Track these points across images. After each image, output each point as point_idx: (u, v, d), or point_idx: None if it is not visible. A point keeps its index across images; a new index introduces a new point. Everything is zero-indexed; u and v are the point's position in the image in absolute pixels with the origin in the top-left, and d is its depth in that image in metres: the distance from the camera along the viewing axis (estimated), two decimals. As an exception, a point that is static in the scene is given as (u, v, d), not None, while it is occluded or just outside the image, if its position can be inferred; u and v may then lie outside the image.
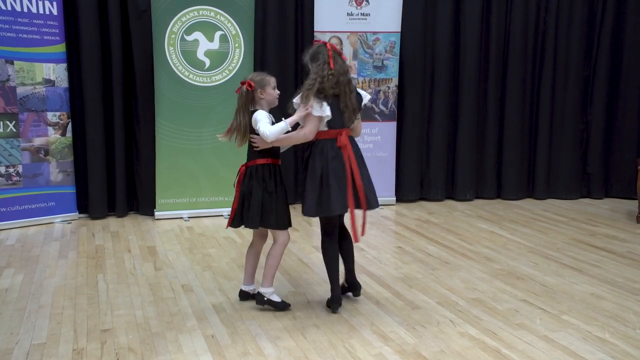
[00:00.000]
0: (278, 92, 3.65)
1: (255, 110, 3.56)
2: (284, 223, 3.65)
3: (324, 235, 3.73)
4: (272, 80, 3.61)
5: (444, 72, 6.74)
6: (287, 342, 3.30)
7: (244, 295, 3.87)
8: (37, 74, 5.57)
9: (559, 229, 5.76)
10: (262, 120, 3.48)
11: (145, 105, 5.96)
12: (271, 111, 3.67)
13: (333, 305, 3.73)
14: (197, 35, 5.84)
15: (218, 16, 5.86)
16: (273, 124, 3.53)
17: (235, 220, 3.64)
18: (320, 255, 4.75)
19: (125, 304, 3.82)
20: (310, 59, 3.63)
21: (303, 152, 6.05)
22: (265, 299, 3.67)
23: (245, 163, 3.66)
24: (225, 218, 6.01)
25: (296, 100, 3.60)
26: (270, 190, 3.58)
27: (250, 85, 3.52)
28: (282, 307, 3.69)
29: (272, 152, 3.63)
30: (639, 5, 6.83)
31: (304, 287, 4.15)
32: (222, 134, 3.66)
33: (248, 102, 3.55)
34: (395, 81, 6.50)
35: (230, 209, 3.75)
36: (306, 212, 3.59)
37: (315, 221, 5.97)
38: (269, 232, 3.75)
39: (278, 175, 3.66)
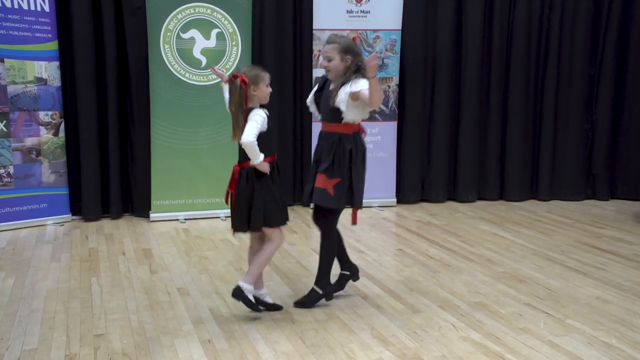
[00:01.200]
0: (270, 89, 3.55)
1: (252, 109, 3.46)
2: (285, 219, 3.61)
3: (334, 225, 3.80)
4: (267, 77, 3.52)
5: (446, 71, 6.68)
6: (285, 346, 3.26)
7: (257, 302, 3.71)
8: (28, 72, 5.50)
9: (563, 231, 5.71)
10: (256, 122, 3.39)
11: (140, 105, 5.90)
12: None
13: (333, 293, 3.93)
14: (194, 33, 5.77)
15: (215, 13, 5.80)
16: (263, 135, 3.45)
17: (239, 224, 3.55)
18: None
19: (119, 308, 3.78)
20: (345, 49, 3.64)
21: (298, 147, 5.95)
22: (244, 295, 3.55)
23: (240, 163, 3.53)
24: (223, 220, 5.95)
25: (343, 93, 3.59)
26: (272, 187, 3.52)
27: (244, 81, 3.40)
28: (254, 308, 3.58)
29: (269, 148, 3.51)
30: (645, 2, 6.79)
31: (303, 290, 4.10)
32: (232, 137, 3.54)
33: (243, 100, 3.43)
34: (395, 80, 6.44)
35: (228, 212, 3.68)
36: (359, 204, 3.74)
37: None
38: (265, 231, 3.63)
39: (277, 171, 3.58)
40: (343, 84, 3.60)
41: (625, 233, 5.66)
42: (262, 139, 3.41)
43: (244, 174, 3.49)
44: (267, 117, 3.49)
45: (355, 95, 3.55)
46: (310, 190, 3.75)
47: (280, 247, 3.66)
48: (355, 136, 3.72)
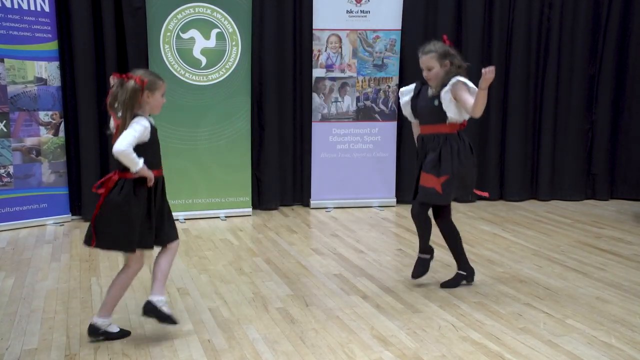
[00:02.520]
0: (164, 100, 3.22)
1: (137, 115, 3.10)
2: (149, 244, 3.28)
3: (449, 214, 4.06)
4: (164, 87, 3.19)
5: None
6: (285, 346, 3.25)
7: (151, 310, 3.32)
8: (28, 72, 5.50)
9: (563, 231, 5.69)
10: (134, 130, 3.02)
11: (140, 105, 5.88)
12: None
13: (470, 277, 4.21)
14: (193, 33, 5.76)
15: (215, 13, 5.79)
16: (145, 147, 3.10)
17: (106, 240, 3.16)
18: (319, 257, 4.77)
19: (119, 308, 3.71)
20: (443, 55, 3.73)
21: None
22: (101, 330, 3.28)
23: (121, 171, 3.13)
24: (223, 220, 5.94)
25: (445, 93, 3.71)
26: (156, 207, 3.23)
27: (142, 81, 3.05)
28: (120, 336, 3.33)
29: (151, 162, 3.16)
30: (646, 2, 6.77)
31: (303, 290, 4.09)
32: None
33: (135, 101, 3.05)
34: (395, 80, 6.44)
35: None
36: (472, 188, 3.94)
37: (315, 223, 5.92)
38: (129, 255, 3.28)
39: (159, 189, 3.26)
40: (444, 85, 3.70)
41: (625, 233, 5.64)
42: (143, 150, 3.08)
43: (121, 184, 3.12)
44: (152, 127, 3.16)
45: (455, 92, 3.65)
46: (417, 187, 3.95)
47: (137, 273, 3.34)
48: (460, 134, 3.82)
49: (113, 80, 3.16)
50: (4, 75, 5.38)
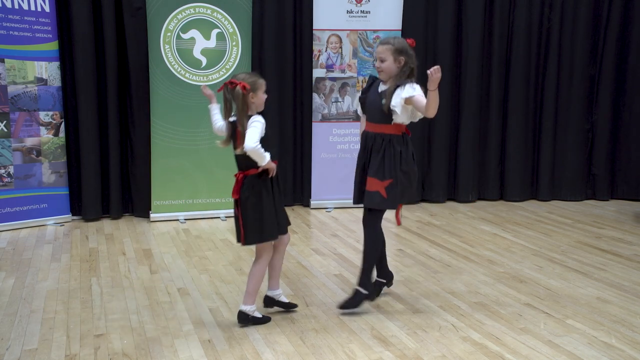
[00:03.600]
0: (267, 95, 3.48)
1: (250, 116, 3.37)
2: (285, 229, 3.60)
3: (379, 224, 3.76)
4: (264, 84, 3.45)
5: (446, 71, 6.62)
6: (285, 346, 3.25)
7: (270, 302, 3.70)
8: (28, 72, 5.50)
9: (564, 232, 5.69)
10: (256, 128, 3.30)
11: (140, 105, 5.89)
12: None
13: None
14: (194, 33, 5.76)
15: (215, 14, 5.79)
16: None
17: (253, 235, 3.48)
18: (319, 258, 4.76)
19: (119, 308, 3.77)
20: (399, 50, 3.62)
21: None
22: (250, 317, 3.51)
23: (242, 171, 3.44)
24: (223, 220, 5.94)
25: (397, 98, 3.56)
26: (278, 194, 3.51)
27: (245, 87, 3.32)
28: (264, 322, 3.56)
29: (272, 154, 3.44)
30: (646, 2, 6.77)
31: (303, 290, 4.10)
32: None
33: (246, 106, 3.34)
34: (395, 80, 6.43)
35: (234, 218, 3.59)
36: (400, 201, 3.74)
37: (315, 224, 5.92)
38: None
39: (278, 178, 3.56)
40: (397, 86, 3.57)
41: (625, 233, 5.65)
42: (263, 144, 3.32)
43: (248, 182, 3.41)
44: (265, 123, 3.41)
45: (409, 100, 3.52)
46: (359, 191, 3.76)
47: (269, 260, 3.58)
48: (404, 136, 3.67)
49: (204, 89, 3.61)
50: (4, 75, 5.38)
